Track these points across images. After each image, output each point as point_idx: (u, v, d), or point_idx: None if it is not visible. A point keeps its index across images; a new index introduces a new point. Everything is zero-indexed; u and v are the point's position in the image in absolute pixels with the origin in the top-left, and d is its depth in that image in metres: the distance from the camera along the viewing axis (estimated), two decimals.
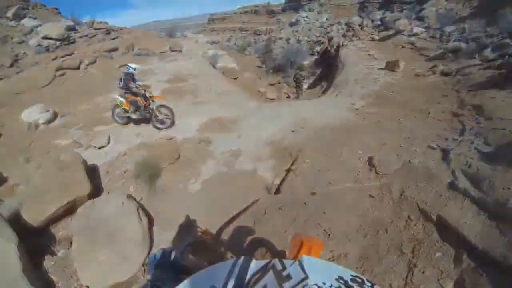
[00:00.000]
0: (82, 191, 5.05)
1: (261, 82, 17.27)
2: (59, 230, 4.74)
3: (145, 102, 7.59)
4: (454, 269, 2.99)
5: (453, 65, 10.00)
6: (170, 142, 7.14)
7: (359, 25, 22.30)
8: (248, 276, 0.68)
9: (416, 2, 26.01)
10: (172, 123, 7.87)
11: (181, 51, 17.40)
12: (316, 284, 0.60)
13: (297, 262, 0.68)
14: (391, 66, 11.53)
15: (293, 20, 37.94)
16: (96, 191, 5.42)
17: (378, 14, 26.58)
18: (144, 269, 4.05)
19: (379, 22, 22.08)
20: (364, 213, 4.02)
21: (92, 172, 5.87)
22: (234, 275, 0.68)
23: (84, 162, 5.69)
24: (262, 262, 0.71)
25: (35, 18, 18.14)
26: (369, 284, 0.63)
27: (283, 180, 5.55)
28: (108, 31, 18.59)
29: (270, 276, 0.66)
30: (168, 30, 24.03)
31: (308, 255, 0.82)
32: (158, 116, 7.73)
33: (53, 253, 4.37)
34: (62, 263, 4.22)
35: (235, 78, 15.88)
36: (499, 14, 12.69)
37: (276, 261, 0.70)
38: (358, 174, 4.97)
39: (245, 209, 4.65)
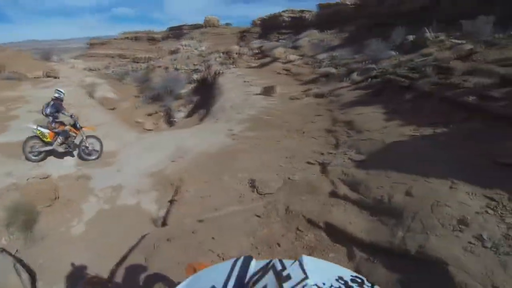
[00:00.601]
0: None
1: (139, 112, 17.49)
2: None
3: (77, 132, 7.38)
4: (349, 263, 3.40)
5: (325, 88, 11.65)
6: (45, 181, 6.72)
7: (237, 53, 24.11)
8: (248, 276, 0.71)
9: (292, 33, 29.93)
10: (100, 155, 7.71)
11: (56, 78, 16.77)
12: (316, 284, 0.62)
13: (297, 262, 0.70)
14: (267, 91, 12.66)
15: (173, 48, 38.90)
16: None
17: (256, 43, 29.40)
18: None
19: (257, 51, 24.36)
20: (254, 232, 4.20)
21: None
22: (234, 275, 0.71)
23: None
24: (262, 262, 0.74)
25: None
26: (369, 284, 0.67)
27: (168, 211, 5.65)
28: None
29: (270, 276, 0.69)
30: (44, 52, 23.23)
31: None
32: (88, 147, 7.56)
33: None
34: None
35: (113, 109, 15.82)
36: (365, 43, 15.45)
37: (276, 261, 0.72)
38: (241, 196, 5.29)
39: (134, 247, 4.59)
